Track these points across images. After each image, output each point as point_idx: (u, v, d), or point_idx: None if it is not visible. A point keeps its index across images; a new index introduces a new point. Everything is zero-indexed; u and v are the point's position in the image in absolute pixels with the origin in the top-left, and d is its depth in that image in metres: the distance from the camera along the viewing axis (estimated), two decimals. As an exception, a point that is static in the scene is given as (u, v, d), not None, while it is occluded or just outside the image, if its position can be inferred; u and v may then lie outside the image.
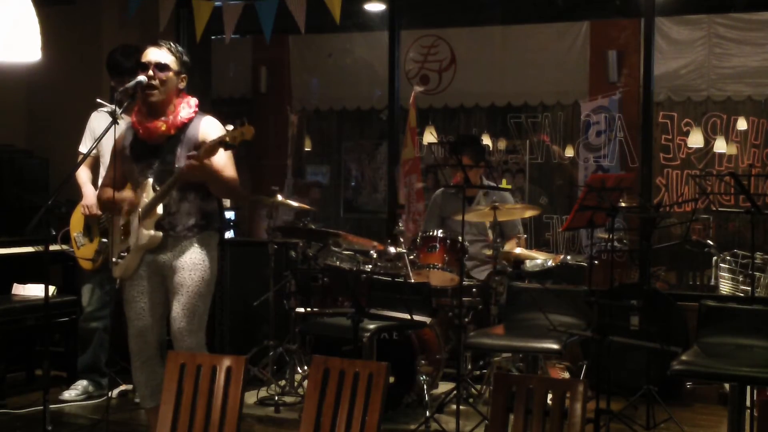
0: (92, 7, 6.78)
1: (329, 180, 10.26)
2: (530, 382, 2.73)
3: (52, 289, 5.37)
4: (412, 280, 5.14)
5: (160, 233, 3.89)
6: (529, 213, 5.91)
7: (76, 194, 5.33)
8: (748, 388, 4.06)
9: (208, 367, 2.94)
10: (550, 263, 5.35)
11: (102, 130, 4.14)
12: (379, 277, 4.95)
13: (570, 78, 8.73)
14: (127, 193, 3.98)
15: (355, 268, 5.35)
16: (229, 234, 7.02)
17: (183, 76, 3.95)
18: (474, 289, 5.35)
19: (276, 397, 5.31)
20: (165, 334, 4.05)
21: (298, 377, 5.58)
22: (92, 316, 5.45)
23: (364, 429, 2.73)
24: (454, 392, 4.71)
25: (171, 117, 3.89)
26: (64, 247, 5.49)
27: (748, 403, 4.08)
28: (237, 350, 5.69)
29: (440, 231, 5.40)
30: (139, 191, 3.95)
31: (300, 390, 5.42)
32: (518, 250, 5.46)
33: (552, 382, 2.91)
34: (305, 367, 5.57)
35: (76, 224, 5.36)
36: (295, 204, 5.91)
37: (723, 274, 6.30)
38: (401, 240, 5.42)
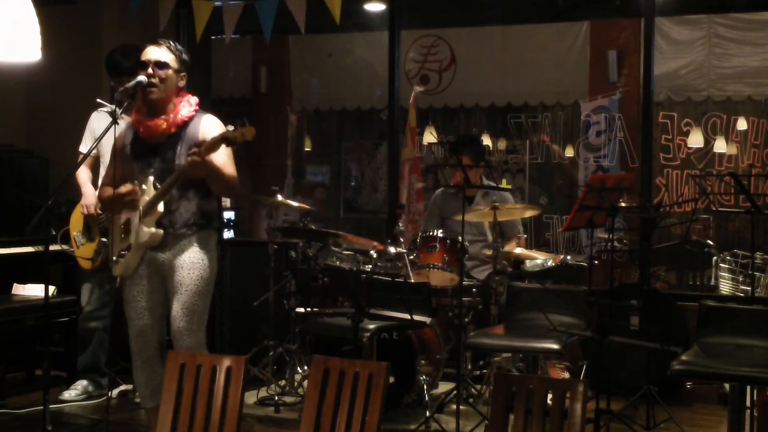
0: (92, 7, 6.78)
1: (329, 180, 10.27)
2: (530, 382, 2.73)
3: (52, 289, 5.37)
4: (412, 280, 5.14)
5: (161, 231, 3.89)
6: (529, 213, 5.90)
7: (76, 194, 5.33)
8: (748, 388, 4.06)
9: (208, 367, 2.94)
10: (550, 263, 5.35)
11: (102, 130, 4.14)
12: (379, 277, 4.95)
13: (570, 78, 8.74)
14: (128, 186, 3.96)
15: (355, 268, 5.35)
16: (229, 234, 7.01)
17: (183, 74, 3.96)
18: (474, 289, 5.35)
19: (276, 397, 5.31)
20: (165, 334, 4.05)
21: (298, 377, 5.58)
22: (91, 315, 5.44)
23: (364, 429, 2.73)
24: (454, 392, 4.71)
25: (171, 115, 3.90)
26: (64, 246, 5.49)
27: (748, 403, 4.08)
28: (237, 350, 5.69)
29: (440, 231, 5.40)
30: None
31: (300, 390, 5.42)
32: (518, 250, 5.46)
33: (552, 382, 2.91)
34: (305, 367, 5.57)
35: (75, 224, 5.36)
36: (294, 204, 5.91)
37: (723, 274, 6.29)
38: (401, 240, 5.42)
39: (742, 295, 6.10)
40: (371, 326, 4.55)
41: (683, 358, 3.86)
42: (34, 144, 6.74)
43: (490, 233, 5.41)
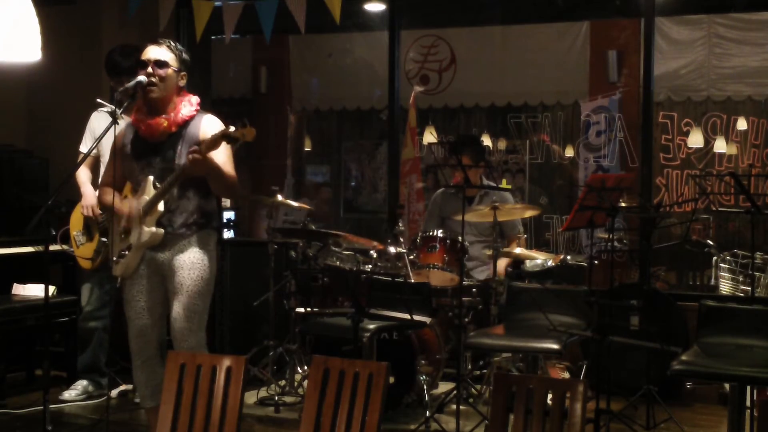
0: (92, 7, 6.78)
1: (329, 180, 10.26)
2: (530, 382, 2.73)
3: (52, 289, 5.37)
4: (412, 280, 5.14)
5: (162, 230, 3.89)
6: (529, 213, 5.90)
7: (76, 194, 5.33)
8: (748, 388, 4.06)
9: (208, 367, 2.94)
10: (550, 263, 5.35)
11: (102, 130, 4.14)
12: (379, 277, 4.95)
13: (570, 78, 8.73)
14: (126, 207, 3.97)
15: (355, 268, 5.35)
16: (229, 234, 7.01)
17: (183, 73, 3.96)
18: (474, 289, 5.35)
19: (276, 397, 5.31)
20: (165, 334, 4.05)
21: (298, 377, 5.57)
22: (91, 315, 5.44)
23: (364, 429, 2.73)
24: (454, 392, 4.71)
25: (172, 114, 3.90)
26: (64, 246, 5.49)
27: (748, 403, 4.08)
28: (237, 350, 5.70)
29: (440, 231, 5.40)
30: (139, 191, 3.95)
31: (300, 390, 5.42)
32: (518, 250, 5.45)
33: (552, 382, 2.91)
34: (305, 367, 5.57)
35: (75, 223, 5.35)
36: (294, 204, 5.90)
37: (723, 274, 6.29)
38: (401, 240, 5.42)
39: (742, 295, 6.10)
40: (371, 326, 4.55)
41: (683, 358, 3.86)
42: (34, 144, 6.74)
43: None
